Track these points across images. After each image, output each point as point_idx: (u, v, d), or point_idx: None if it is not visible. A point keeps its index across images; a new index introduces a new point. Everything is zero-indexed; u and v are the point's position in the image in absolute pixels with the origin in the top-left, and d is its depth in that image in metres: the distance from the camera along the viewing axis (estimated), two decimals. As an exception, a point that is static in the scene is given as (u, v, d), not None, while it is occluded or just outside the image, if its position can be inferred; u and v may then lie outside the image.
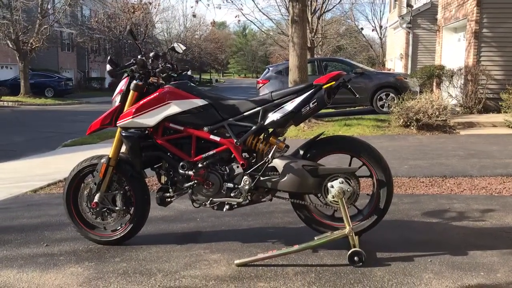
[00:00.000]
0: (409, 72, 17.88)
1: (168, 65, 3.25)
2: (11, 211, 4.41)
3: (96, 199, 3.20)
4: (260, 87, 13.25)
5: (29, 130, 13.06)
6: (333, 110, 13.50)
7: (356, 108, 13.24)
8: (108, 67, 3.06)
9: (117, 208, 3.22)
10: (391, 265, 2.81)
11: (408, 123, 8.70)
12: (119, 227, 3.31)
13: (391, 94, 12.65)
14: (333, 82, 2.87)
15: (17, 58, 24.72)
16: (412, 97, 10.15)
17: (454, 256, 2.92)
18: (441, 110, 8.47)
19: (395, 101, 12.26)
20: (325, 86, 2.86)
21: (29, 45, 24.29)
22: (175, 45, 3.27)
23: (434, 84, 12.38)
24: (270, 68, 13.81)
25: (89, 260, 3.06)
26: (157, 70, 3.13)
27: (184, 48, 3.35)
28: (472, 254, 2.94)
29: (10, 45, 24.25)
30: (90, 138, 10.28)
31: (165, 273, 2.81)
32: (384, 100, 12.78)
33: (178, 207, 4.12)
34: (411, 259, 2.88)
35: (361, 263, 2.78)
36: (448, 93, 11.13)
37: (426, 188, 4.78)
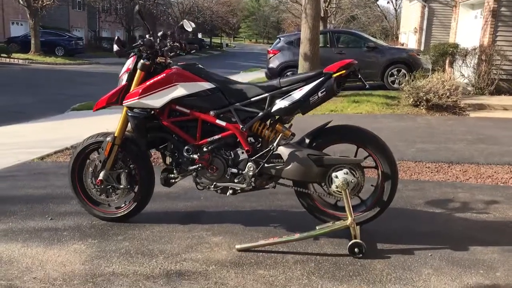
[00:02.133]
0: (422, 47, 17.59)
1: (176, 43, 3.20)
2: (17, 179, 4.46)
3: (101, 176, 3.21)
4: (271, 57, 13.09)
5: (38, 91, 13.07)
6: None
7: (366, 82, 13.04)
8: (116, 47, 3.02)
9: (121, 186, 3.24)
10: (391, 258, 2.82)
11: (418, 103, 8.59)
12: (123, 205, 3.35)
13: (403, 70, 12.48)
14: (343, 71, 2.82)
15: (28, 15, 24.51)
16: (424, 74, 10.00)
17: (454, 251, 2.92)
18: (452, 90, 8.34)
19: (406, 78, 12.13)
20: (335, 75, 2.80)
21: (40, 2, 24.04)
22: (184, 22, 3.22)
23: (447, 62, 12.16)
24: (282, 38, 13.59)
25: (92, 237, 3.10)
26: (165, 49, 3.09)
27: (193, 26, 3.29)
28: (473, 250, 2.94)
29: (21, 2, 24.02)
30: (98, 103, 10.30)
31: (167, 255, 2.84)
32: (395, 76, 12.62)
33: (182, 184, 4.11)
34: (412, 252, 2.89)
35: (361, 255, 2.79)
36: (461, 72, 10.94)
37: (432, 174, 4.76)
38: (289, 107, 2.84)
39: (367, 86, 3.00)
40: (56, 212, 3.57)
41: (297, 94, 2.83)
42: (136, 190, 3.30)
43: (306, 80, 2.86)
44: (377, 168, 3.00)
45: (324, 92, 2.80)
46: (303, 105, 2.83)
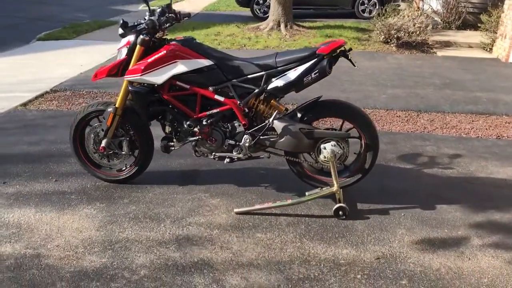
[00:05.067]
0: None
1: (172, 14, 3.29)
2: (9, 133, 4.58)
3: (103, 144, 3.41)
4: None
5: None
6: (313, 11, 13.33)
7: (337, 11, 13.08)
8: (120, 30, 3.09)
9: (123, 152, 3.46)
10: (370, 218, 3.24)
11: (389, 40, 8.83)
12: (124, 168, 3.59)
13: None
14: (336, 52, 3.04)
15: None
16: (395, 8, 10.15)
17: (423, 210, 3.36)
18: (422, 29, 8.58)
19: (377, 7, 12.22)
20: (327, 57, 3.02)
21: None
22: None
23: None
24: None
25: (100, 201, 3.37)
26: (164, 25, 3.18)
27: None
28: (439, 209, 3.39)
29: None
30: (66, 33, 10.06)
31: (173, 219, 3.16)
32: (366, 5, 12.67)
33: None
34: (387, 212, 3.32)
35: (344, 217, 3.20)
36: (430, 6, 11.11)
37: (402, 124, 5.15)
38: (284, 86, 3.06)
39: (356, 66, 3.22)
40: (58, 172, 3.78)
41: (292, 74, 3.04)
42: (136, 154, 3.53)
43: (301, 61, 3.05)
44: (360, 139, 3.32)
45: (317, 74, 3.02)
46: (297, 85, 3.06)
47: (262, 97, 3.20)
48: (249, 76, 3.15)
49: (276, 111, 3.18)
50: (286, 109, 3.25)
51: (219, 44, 8.89)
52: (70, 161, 3.94)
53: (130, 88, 3.21)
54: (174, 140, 3.40)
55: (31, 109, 5.36)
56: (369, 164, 3.32)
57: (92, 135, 3.47)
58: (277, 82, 3.08)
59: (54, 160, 3.98)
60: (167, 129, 3.40)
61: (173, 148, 3.43)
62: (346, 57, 3.09)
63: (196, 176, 3.81)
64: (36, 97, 5.74)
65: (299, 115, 3.23)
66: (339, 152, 3.20)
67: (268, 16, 11.19)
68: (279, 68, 3.08)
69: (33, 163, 3.92)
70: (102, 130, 3.39)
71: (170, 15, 3.27)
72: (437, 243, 2.99)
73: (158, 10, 3.19)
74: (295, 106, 3.32)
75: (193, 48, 3.16)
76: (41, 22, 11.53)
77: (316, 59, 3.03)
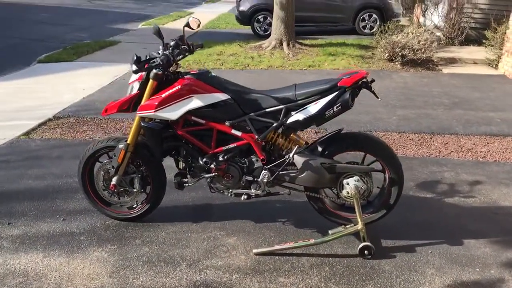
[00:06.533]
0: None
1: (185, 46, 3.16)
2: (11, 166, 4.41)
3: (114, 181, 3.25)
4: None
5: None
6: (314, 28, 13.29)
7: (337, 27, 13.04)
8: (134, 67, 2.95)
9: (134, 190, 3.30)
10: (397, 257, 3.07)
11: (393, 58, 8.74)
12: (135, 205, 3.42)
13: (374, 15, 12.50)
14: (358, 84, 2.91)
15: None
16: (396, 24, 10.08)
17: (451, 246, 3.20)
18: (426, 46, 8.50)
19: (378, 23, 12.18)
20: (349, 89, 2.88)
21: None
22: (190, 20, 3.15)
23: (419, 10, 12.22)
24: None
25: (111, 242, 3.20)
26: (177, 58, 3.05)
27: (199, 23, 3.23)
28: (467, 244, 3.23)
29: None
30: (66, 54, 9.93)
31: (189, 262, 2.99)
32: (366, 21, 12.63)
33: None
34: (413, 250, 3.15)
35: (370, 256, 3.03)
36: (432, 21, 11.06)
37: (416, 148, 5.01)
38: (304, 120, 2.92)
39: (379, 98, 3.08)
40: (66, 210, 3.61)
41: (313, 108, 2.90)
42: (148, 191, 3.37)
43: (321, 93, 2.92)
44: (384, 172, 3.17)
45: (340, 107, 2.88)
46: (318, 119, 2.92)
47: (280, 130, 3.06)
48: (267, 110, 3.01)
49: (297, 145, 3.03)
50: (307, 143, 3.11)
51: (222, 64, 8.78)
52: (77, 197, 3.77)
53: (142, 124, 3.07)
54: (188, 176, 3.24)
55: (34, 138, 5.20)
56: (394, 199, 3.17)
57: (102, 172, 3.31)
58: (297, 116, 2.93)
59: (61, 197, 3.81)
60: (181, 164, 3.25)
61: (187, 184, 3.27)
62: (369, 89, 2.95)
63: (209, 210, 3.65)
64: (39, 125, 5.59)
65: (319, 148, 3.08)
66: (363, 187, 3.05)
67: (268, 34, 11.13)
68: (299, 102, 2.95)
69: (39, 200, 3.75)
70: (113, 167, 3.23)
71: (183, 47, 3.14)
72: (471, 285, 2.82)
73: (172, 43, 3.06)
74: (316, 139, 3.17)
75: (208, 82, 3.02)
76: (41, 43, 11.41)
77: (338, 92, 2.89)
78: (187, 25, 3.14)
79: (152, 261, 3.01)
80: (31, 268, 2.92)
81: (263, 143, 3.09)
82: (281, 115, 2.97)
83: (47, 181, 4.09)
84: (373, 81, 2.98)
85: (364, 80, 2.94)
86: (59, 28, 13.95)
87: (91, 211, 3.56)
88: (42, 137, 5.24)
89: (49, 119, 5.79)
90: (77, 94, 6.93)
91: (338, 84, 2.90)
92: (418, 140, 5.25)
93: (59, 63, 9.33)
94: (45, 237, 3.26)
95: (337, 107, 2.89)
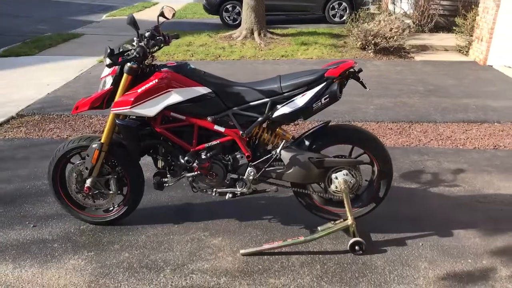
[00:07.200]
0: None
1: (160, 37, 2.95)
2: (-26, 169, 4.11)
3: (88, 183, 3.04)
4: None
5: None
6: (284, 17, 13.14)
7: (307, 16, 12.93)
8: (108, 60, 2.72)
9: (110, 192, 3.09)
10: (388, 251, 2.98)
11: (366, 46, 8.69)
12: (112, 208, 3.22)
13: (344, 3, 12.45)
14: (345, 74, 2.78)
15: None
16: (366, 11, 10.04)
17: (441, 237, 3.13)
18: (399, 34, 8.48)
19: (347, 11, 12.14)
20: (337, 80, 2.75)
21: None
22: (164, 9, 2.95)
23: (389, -2, 12.23)
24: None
25: (87, 249, 2.99)
26: (152, 49, 2.85)
27: (174, 11, 3.03)
28: (456, 235, 3.17)
29: None
30: (27, 48, 9.49)
31: (173, 267, 2.82)
32: (336, 10, 12.57)
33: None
34: (404, 243, 3.07)
35: (361, 252, 2.93)
36: (402, 8, 11.08)
37: (396, 137, 4.95)
38: (291, 113, 2.77)
39: (368, 89, 2.96)
40: (36, 215, 3.36)
41: (300, 101, 2.75)
42: (125, 192, 3.17)
43: (308, 85, 2.77)
44: (372, 165, 3.07)
45: (328, 99, 2.75)
46: (306, 112, 2.78)
47: (265, 125, 2.91)
48: (251, 104, 2.84)
49: (284, 140, 2.89)
50: (293, 137, 2.97)
51: (192, 56, 8.53)
52: (48, 201, 3.53)
53: (117, 121, 2.85)
54: (168, 175, 3.06)
55: (-3, 138, 4.89)
56: (384, 192, 3.07)
57: (75, 174, 3.08)
58: (283, 109, 2.78)
59: (30, 201, 3.56)
60: (160, 163, 3.05)
61: (167, 184, 3.09)
62: (357, 79, 2.83)
63: (190, 210, 3.47)
64: (1, 124, 5.26)
65: (307, 142, 2.94)
66: (351, 181, 2.94)
67: (238, 24, 10.93)
68: (285, 94, 2.79)
69: (5, 206, 3.48)
70: (86, 168, 3.01)
71: (159, 38, 2.93)
72: (465, 277, 2.76)
73: (147, 34, 2.84)
74: (303, 133, 3.03)
75: (187, 75, 2.83)
76: (-2, 36, 10.89)
77: (325, 83, 2.75)
78: (161, 14, 2.93)
79: (134, 267, 2.82)
80: (1, 281, 2.69)
81: (247, 139, 2.94)
82: (266, 109, 2.82)
83: (14, 185, 3.82)
84: (360, 70, 2.85)
85: (352, 70, 2.81)
86: (17, 20, 13.37)
87: (63, 215, 3.33)
88: (5, 136, 4.92)
89: (12, 117, 5.46)
90: (41, 90, 6.58)
91: (325, 75, 2.77)
92: (397, 129, 5.20)
93: (20, 57, 8.87)
94: (14, 246, 3.02)
95: (325, 99, 2.75)
